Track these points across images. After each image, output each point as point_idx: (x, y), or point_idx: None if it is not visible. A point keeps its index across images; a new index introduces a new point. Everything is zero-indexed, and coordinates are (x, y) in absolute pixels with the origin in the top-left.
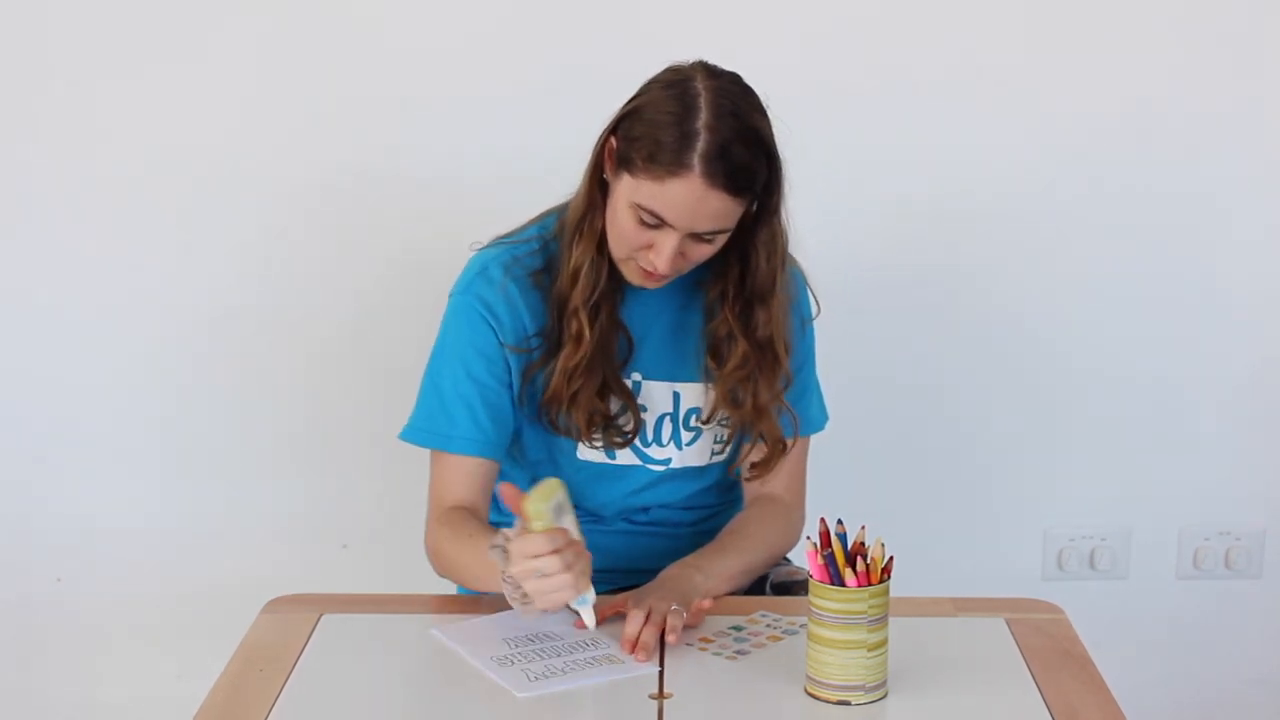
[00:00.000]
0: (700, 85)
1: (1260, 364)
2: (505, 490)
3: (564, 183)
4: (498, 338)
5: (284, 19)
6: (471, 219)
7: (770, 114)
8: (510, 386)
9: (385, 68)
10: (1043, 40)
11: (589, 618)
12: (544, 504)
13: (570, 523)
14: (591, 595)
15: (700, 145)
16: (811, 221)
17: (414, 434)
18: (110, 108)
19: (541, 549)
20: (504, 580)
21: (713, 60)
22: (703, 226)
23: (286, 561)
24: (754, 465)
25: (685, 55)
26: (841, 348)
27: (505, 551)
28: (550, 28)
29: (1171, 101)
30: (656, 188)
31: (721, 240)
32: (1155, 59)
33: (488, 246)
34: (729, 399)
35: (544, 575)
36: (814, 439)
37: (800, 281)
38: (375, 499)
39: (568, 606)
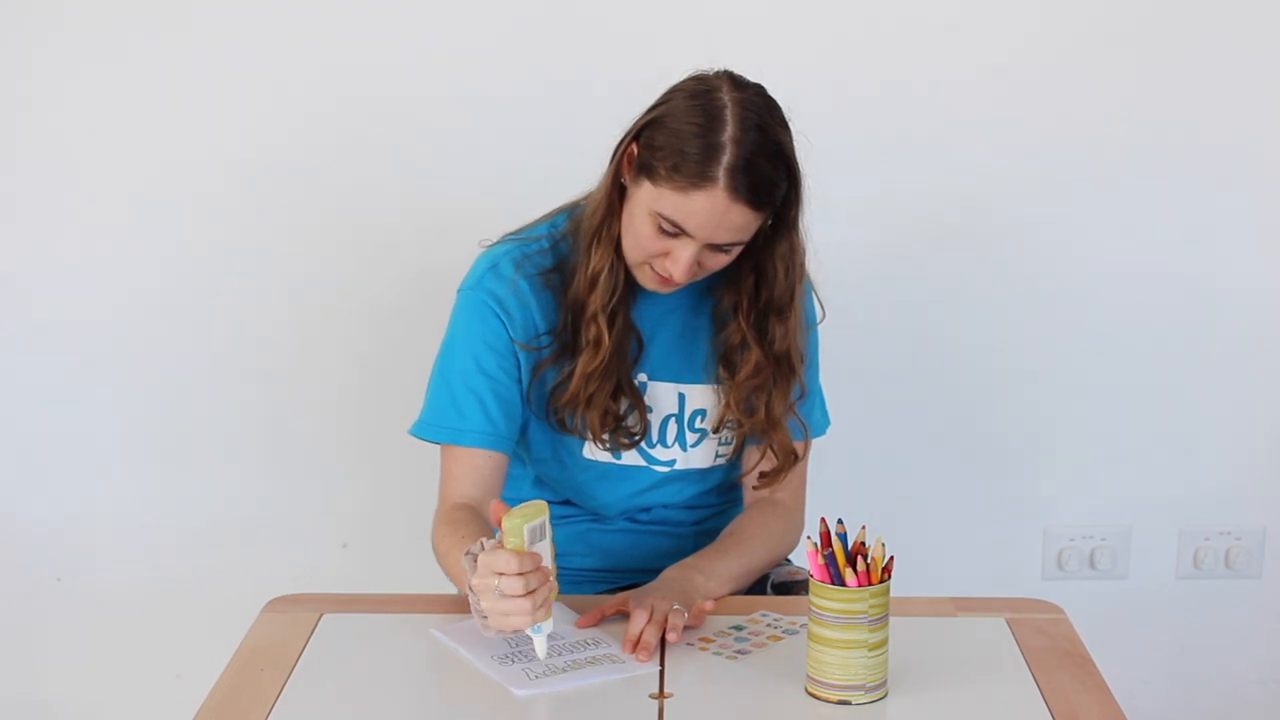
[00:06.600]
0: (726, 97)
1: (1260, 364)
2: (494, 506)
3: (575, 181)
4: (508, 332)
5: (294, 19)
6: (477, 219)
7: (792, 127)
8: (519, 381)
9: (394, 69)
10: (1044, 49)
11: (541, 648)
12: (522, 522)
13: (546, 549)
14: (548, 626)
15: (726, 158)
16: (814, 224)
17: (424, 429)
18: (106, 107)
19: (507, 568)
20: (469, 591)
21: (710, 60)
22: (722, 238)
23: (286, 561)
24: (763, 475)
25: (691, 57)
26: (842, 349)
27: (475, 561)
28: (557, 29)
29: (1170, 108)
30: (679, 198)
31: (738, 250)
32: (1154, 67)
33: (497, 243)
34: (742, 408)
35: (503, 595)
36: (815, 439)
37: (806, 285)
38: (375, 499)
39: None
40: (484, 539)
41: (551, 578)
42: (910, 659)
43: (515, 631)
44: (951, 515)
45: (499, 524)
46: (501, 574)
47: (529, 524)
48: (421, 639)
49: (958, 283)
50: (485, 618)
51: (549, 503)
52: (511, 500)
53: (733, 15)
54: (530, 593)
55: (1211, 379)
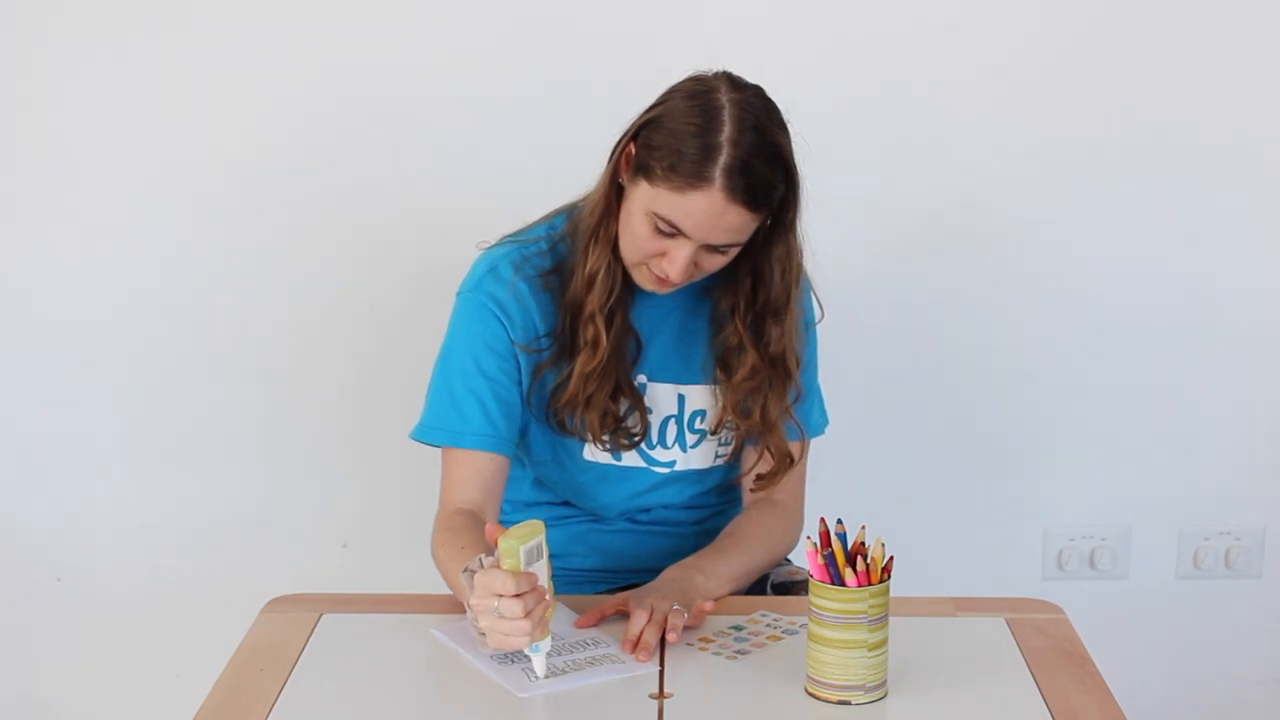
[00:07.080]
0: (724, 98)
1: (1260, 364)
2: (488, 530)
3: (575, 181)
4: (508, 334)
5: (294, 19)
6: (477, 219)
7: (790, 129)
8: (520, 384)
9: (394, 69)
10: (1044, 49)
11: (540, 667)
12: (518, 543)
13: (542, 568)
14: (547, 644)
15: (723, 159)
16: (814, 224)
17: (426, 433)
18: (106, 107)
19: (505, 589)
20: (468, 607)
21: (710, 60)
22: (718, 239)
23: (286, 561)
24: (760, 478)
25: (691, 57)
26: (842, 349)
27: (473, 579)
28: (557, 29)
29: (1170, 108)
30: (676, 198)
31: (734, 252)
32: (1154, 67)
33: (495, 245)
34: (738, 409)
35: (501, 616)
36: (815, 439)
37: (804, 285)
38: (375, 499)
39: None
40: (482, 555)
41: (548, 597)
42: (910, 659)
43: (514, 650)
44: (951, 515)
45: (494, 545)
46: (500, 595)
47: (525, 545)
48: (421, 639)
49: (958, 283)
50: (483, 635)
51: (548, 503)
52: (511, 501)
53: (733, 15)
54: (528, 614)
55: (1211, 379)
